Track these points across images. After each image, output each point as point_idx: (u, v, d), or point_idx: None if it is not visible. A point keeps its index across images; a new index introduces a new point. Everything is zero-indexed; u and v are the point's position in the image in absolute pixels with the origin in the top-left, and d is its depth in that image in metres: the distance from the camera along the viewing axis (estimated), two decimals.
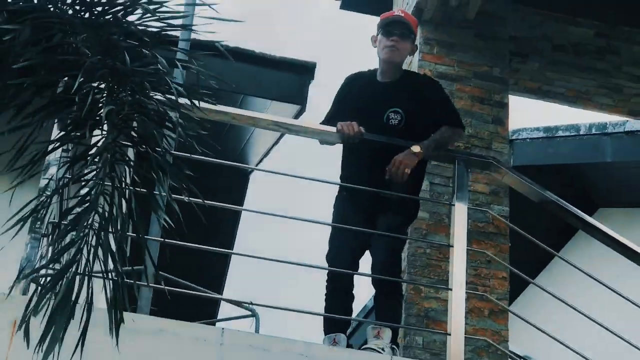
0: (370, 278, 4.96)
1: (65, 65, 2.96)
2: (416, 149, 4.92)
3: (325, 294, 4.98)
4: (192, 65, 3.23)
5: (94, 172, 2.96)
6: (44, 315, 2.81)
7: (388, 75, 5.29)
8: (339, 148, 5.28)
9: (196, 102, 3.12)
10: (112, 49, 3.05)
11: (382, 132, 5.03)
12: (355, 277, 5.02)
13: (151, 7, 3.14)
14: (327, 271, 4.96)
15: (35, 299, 2.85)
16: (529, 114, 18.80)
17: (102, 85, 3.00)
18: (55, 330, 2.80)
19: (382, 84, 5.27)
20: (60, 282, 2.85)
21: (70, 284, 2.84)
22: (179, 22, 3.27)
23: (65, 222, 2.93)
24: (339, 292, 4.95)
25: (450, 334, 4.49)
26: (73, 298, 2.83)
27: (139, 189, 3.02)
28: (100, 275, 2.90)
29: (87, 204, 2.92)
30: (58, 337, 2.80)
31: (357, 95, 5.28)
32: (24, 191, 2.97)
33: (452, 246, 4.69)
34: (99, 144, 2.98)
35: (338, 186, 5.20)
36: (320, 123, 5.14)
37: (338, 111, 5.21)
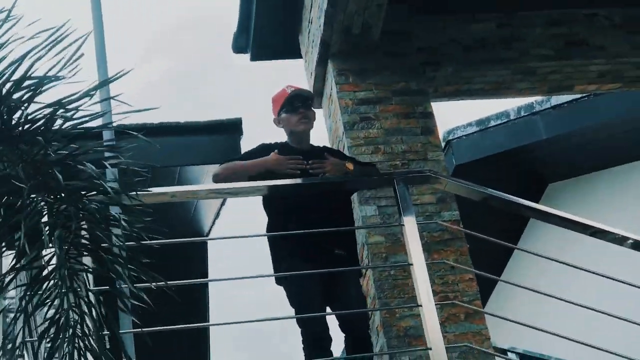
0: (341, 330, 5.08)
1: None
2: (350, 166, 5.24)
3: (306, 350, 5.00)
4: (121, 158, 3.32)
5: (56, 290, 3.03)
6: None
7: (305, 144, 5.55)
8: None
9: (132, 193, 3.22)
10: (42, 166, 3.13)
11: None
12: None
13: (68, 114, 3.23)
14: (303, 333, 5.01)
15: None
16: (464, 108, 19.04)
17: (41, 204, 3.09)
18: None
19: (300, 150, 5.46)
20: None
21: None
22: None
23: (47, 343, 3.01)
24: (318, 342, 4.98)
25: (430, 348, 4.59)
26: None
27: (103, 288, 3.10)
28: None
29: (59, 322, 3.00)
30: None
31: None
32: None
33: (412, 264, 4.80)
34: (53, 261, 3.05)
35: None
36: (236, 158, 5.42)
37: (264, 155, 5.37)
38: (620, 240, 5.06)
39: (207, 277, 8.81)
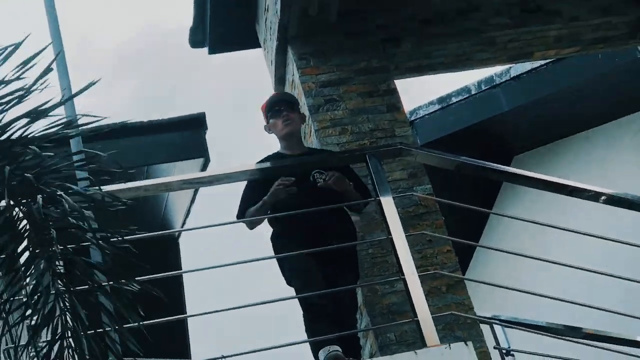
0: None
1: None
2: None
3: (309, 323, 5.00)
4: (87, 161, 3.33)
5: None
6: None
7: (296, 148, 5.61)
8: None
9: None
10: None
11: (313, 191, 5.28)
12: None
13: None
14: (303, 308, 5.01)
15: None
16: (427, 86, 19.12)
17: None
18: None
19: (294, 156, 5.53)
20: None
21: None
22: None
23: None
24: (323, 315, 4.97)
25: (418, 319, 4.58)
26: None
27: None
28: None
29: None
30: None
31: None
32: None
33: (392, 237, 4.79)
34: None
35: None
36: (240, 211, 5.36)
37: (257, 189, 5.34)
38: (595, 196, 5.09)
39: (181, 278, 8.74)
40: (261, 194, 5.26)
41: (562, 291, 5.71)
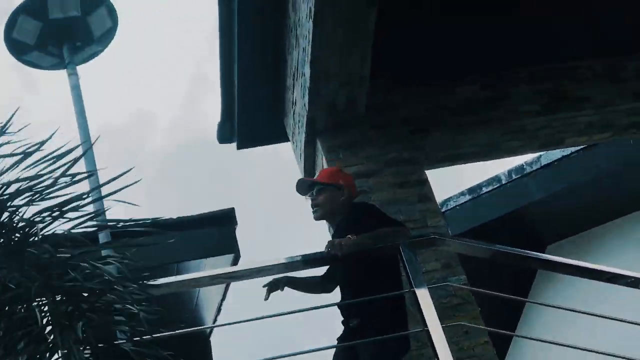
0: None
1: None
2: (352, 237, 5.04)
3: None
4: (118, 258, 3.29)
5: None
6: None
7: (336, 219, 5.48)
8: None
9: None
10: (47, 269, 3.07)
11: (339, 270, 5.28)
12: None
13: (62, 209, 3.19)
14: None
15: None
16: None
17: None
18: None
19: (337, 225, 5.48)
20: None
21: None
22: None
23: None
24: None
25: None
26: None
27: None
28: None
29: None
30: None
31: None
32: None
33: (428, 329, 4.67)
34: None
35: None
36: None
37: None
38: (635, 283, 4.97)
39: None
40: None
41: None
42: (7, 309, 3.05)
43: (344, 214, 5.39)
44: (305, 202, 5.53)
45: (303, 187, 5.57)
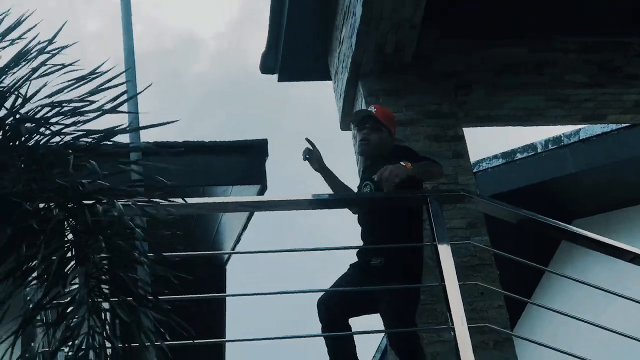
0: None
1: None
2: (405, 163, 4.99)
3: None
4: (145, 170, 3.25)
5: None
6: None
7: (383, 153, 5.39)
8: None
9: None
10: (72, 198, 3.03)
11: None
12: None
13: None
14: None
15: None
16: (489, 141, 18.92)
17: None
18: None
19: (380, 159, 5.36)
20: None
21: None
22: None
23: None
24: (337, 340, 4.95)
25: None
26: None
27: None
28: None
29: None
30: None
31: None
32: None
33: (444, 285, 4.64)
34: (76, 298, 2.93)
35: None
36: None
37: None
38: None
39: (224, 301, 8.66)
40: None
41: (614, 355, 5.54)
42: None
43: (383, 157, 5.32)
44: (354, 132, 5.51)
45: (358, 116, 5.55)
